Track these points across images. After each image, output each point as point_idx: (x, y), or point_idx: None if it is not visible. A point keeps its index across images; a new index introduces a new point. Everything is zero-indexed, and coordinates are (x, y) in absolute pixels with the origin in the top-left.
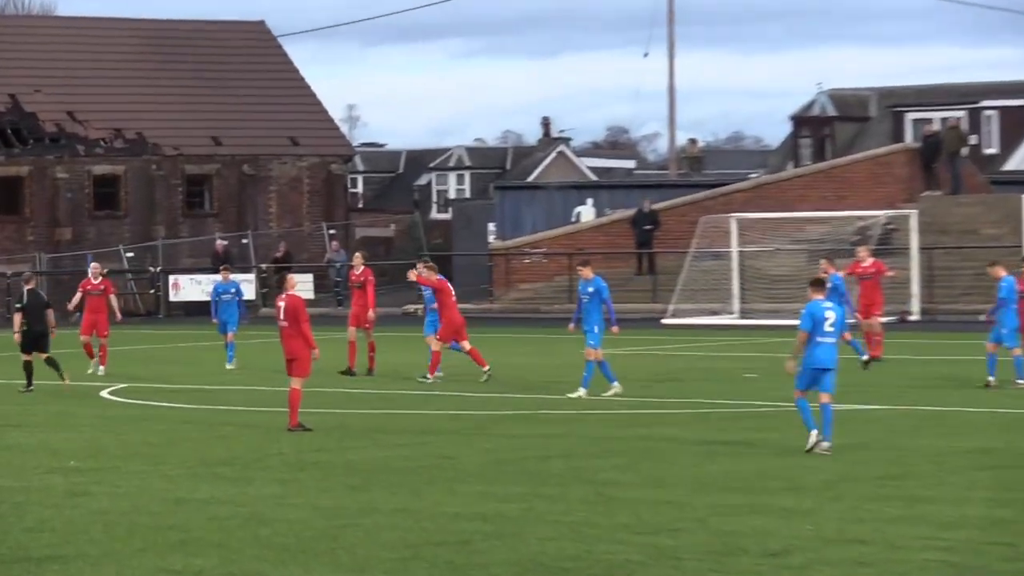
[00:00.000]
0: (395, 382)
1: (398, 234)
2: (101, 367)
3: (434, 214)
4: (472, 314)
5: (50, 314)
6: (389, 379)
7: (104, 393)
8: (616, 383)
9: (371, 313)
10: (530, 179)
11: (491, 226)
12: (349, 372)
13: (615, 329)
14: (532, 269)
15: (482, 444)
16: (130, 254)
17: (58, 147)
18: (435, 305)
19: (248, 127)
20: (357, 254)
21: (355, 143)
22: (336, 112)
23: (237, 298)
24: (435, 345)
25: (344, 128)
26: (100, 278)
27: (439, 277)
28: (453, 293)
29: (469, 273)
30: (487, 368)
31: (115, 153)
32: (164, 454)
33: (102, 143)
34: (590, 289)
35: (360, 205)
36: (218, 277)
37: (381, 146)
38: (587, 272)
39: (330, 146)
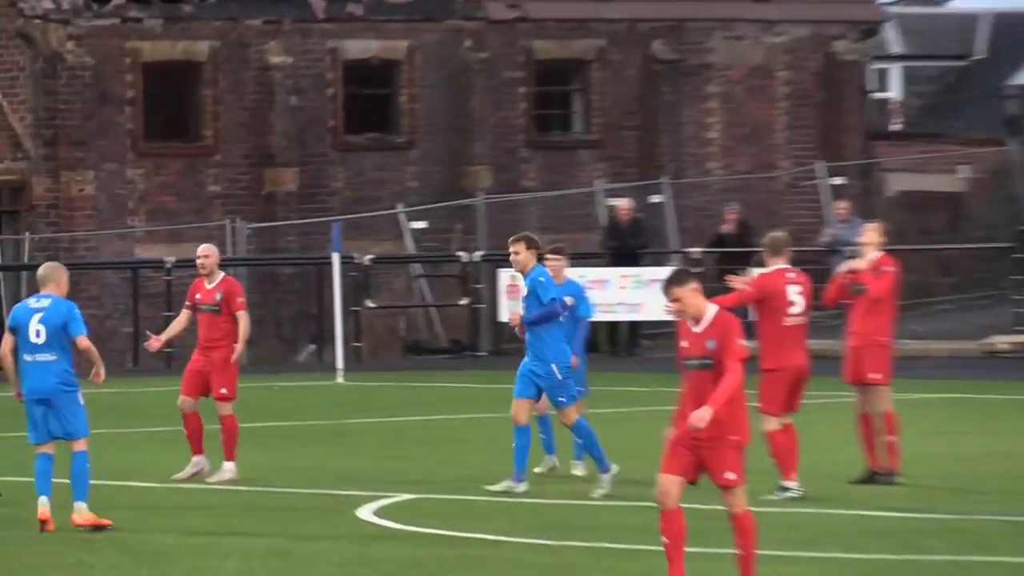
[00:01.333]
0: (945, 497)
1: (976, 184)
2: (228, 465)
3: None
4: None
5: None
6: (937, 491)
7: (363, 512)
8: None
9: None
10: None
11: None
12: (873, 477)
13: None
14: None
15: None
16: (420, 224)
17: (268, 3)
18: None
19: None
20: (870, 226)
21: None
22: None
23: (576, 318)
24: (772, 423)
25: None
26: (219, 276)
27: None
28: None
29: None
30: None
31: (388, 15)
32: None
33: None
34: None
35: (898, 126)
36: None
37: (939, 4)
38: None
39: (832, 3)
